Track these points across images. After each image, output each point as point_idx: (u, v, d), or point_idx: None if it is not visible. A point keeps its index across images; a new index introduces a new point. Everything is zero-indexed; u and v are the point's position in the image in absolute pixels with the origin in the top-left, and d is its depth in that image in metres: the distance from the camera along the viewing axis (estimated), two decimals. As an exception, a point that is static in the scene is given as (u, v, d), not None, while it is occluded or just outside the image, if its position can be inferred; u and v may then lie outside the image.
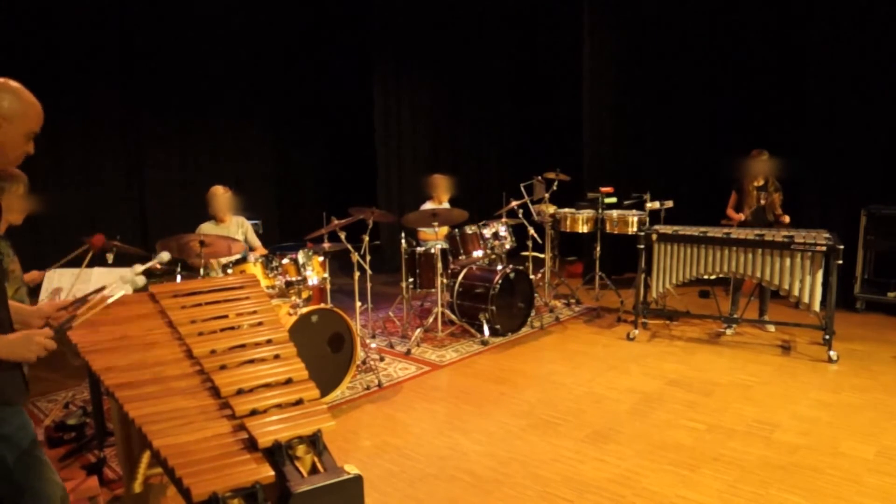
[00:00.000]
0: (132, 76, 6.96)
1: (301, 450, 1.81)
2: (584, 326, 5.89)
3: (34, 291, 3.04)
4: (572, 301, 6.64)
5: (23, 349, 1.83)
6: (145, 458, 2.44)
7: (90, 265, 3.15)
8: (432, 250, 5.48)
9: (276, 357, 2.19)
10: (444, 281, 5.49)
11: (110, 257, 3.77)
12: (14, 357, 1.84)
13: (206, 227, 4.85)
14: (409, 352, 5.23)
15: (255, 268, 4.33)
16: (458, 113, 8.75)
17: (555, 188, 6.51)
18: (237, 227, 4.99)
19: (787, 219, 5.30)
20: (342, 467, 1.78)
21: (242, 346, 2.22)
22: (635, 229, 6.11)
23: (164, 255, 2.21)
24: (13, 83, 1.87)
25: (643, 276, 5.46)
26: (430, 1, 8.17)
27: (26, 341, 1.84)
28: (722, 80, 7.05)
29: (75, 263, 3.25)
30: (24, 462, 1.92)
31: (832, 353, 4.78)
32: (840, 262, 4.66)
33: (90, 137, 6.69)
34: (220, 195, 4.89)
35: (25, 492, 1.92)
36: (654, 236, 5.26)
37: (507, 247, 5.84)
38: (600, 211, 6.43)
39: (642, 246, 5.37)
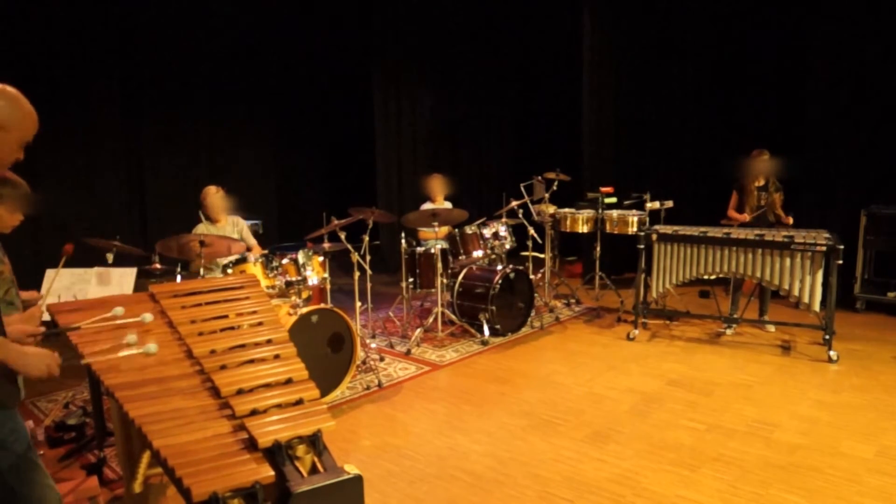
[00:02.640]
0: (132, 76, 6.96)
1: (301, 450, 1.81)
2: (584, 326, 5.89)
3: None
4: (572, 301, 6.64)
5: (34, 366, 1.85)
6: (145, 458, 2.44)
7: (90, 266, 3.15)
8: (432, 250, 5.48)
9: (276, 357, 2.19)
10: (444, 281, 5.49)
11: (110, 257, 3.77)
12: (21, 369, 1.85)
13: (202, 229, 4.83)
14: (409, 352, 5.23)
15: (255, 268, 4.33)
16: (458, 113, 8.74)
17: (555, 188, 6.51)
18: (232, 227, 4.97)
19: (790, 220, 5.29)
20: (342, 467, 1.78)
21: (242, 346, 2.22)
22: (635, 229, 6.11)
23: (151, 348, 2.16)
24: (11, 90, 1.84)
25: (643, 276, 5.46)
26: (430, 1, 8.17)
27: (39, 359, 1.85)
28: (722, 80, 7.05)
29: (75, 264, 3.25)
30: (18, 467, 1.91)
31: (832, 353, 4.78)
32: (840, 262, 4.65)
33: (90, 138, 6.69)
34: (213, 195, 4.86)
35: (19, 497, 1.91)
36: (654, 236, 5.26)
37: (507, 247, 5.84)
38: (600, 211, 6.43)
39: (642, 246, 5.37)
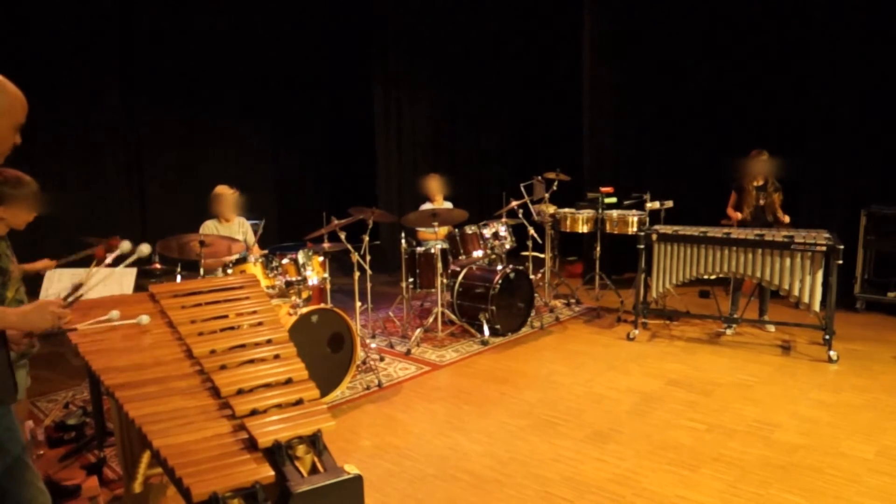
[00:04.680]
0: (133, 76, 6.97)
1: (301, 450, 1.81)
2: (584, 326, 5.89)
3: (34, 291, 3.04)
4: (572, 301, 6.64)
5: (38, 319, 1.85)
6: (145, 458, 2.44)
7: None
8: (432, 250, 5.47)
9: (276, 357, 2.19)
10: (444, 281, 5.49)
11: (110, 257, 3.76)
12: (29, 326, 1.86)
13: (210, 227, 4.83)
14: (409, 352, 5.22)
15: (255, 268, 4.33)
16: (458, 113, 8.74)
17: (555, 188, 6.51)
18: (238, 227, 4.98)
19: (787, 219, 5.29)
20: (342, 467, 1.78)
21: (242, 346, 2.22)
22: (635, 229, 6.11)
23: (144, 248, 2.16)
24: None
25: (643, 276, 5.46)
26: (431, 1, 8.17)
27: (41, 310, 1.85)
28: (722, 80, 7.04)
29: (79, 263, 3.25)
30: (10, 466, 1.91)
31: (832, 353, 4.77)
32: (840, 262, 4.65)
33: (90, 137, 6.69)
34: (228, 195, 4.87)
35: (8, 495, 1.91)
36: (654, 236, 5.26)
37: (507, 247, 5.84)
38: (600, 211, 6.42)
39: (642, 246, 5.37)
